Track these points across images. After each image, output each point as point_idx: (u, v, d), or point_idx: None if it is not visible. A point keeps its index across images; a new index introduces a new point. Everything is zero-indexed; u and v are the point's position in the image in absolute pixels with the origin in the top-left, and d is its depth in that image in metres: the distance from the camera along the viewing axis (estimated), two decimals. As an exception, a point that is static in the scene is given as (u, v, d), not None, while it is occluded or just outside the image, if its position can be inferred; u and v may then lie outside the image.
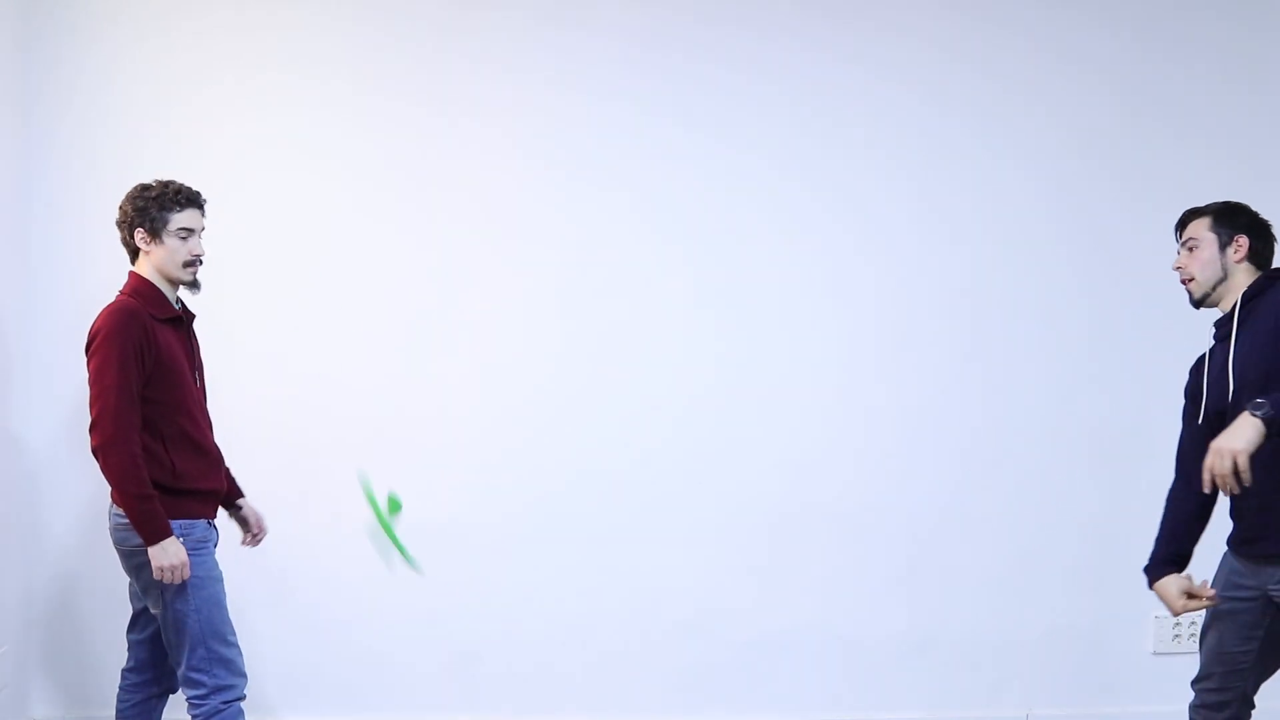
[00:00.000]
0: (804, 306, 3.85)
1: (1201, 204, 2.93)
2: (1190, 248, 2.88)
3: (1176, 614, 2.91)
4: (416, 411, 3.78)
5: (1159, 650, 3.91)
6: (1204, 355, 2.97)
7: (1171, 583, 2.88)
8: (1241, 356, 2.77)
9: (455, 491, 3.80)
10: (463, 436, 3.79)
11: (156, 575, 2.87)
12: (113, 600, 3.72)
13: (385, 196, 3.77)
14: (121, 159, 3.69)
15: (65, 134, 3.71)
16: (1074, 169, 3.88)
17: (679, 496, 3.84)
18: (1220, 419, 2.80)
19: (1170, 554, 2.92)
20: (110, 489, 2.98)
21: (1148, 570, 2.95)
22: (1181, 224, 2.94)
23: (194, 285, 3.06)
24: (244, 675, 3.02)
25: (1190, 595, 2.85)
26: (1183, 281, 2.92)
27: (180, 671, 2.98)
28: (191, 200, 3.03)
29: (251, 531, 3.29)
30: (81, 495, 3.72)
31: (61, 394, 3.71)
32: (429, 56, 3.76)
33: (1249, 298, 2.81)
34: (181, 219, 3.00)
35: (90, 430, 2.88)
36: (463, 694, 3.82)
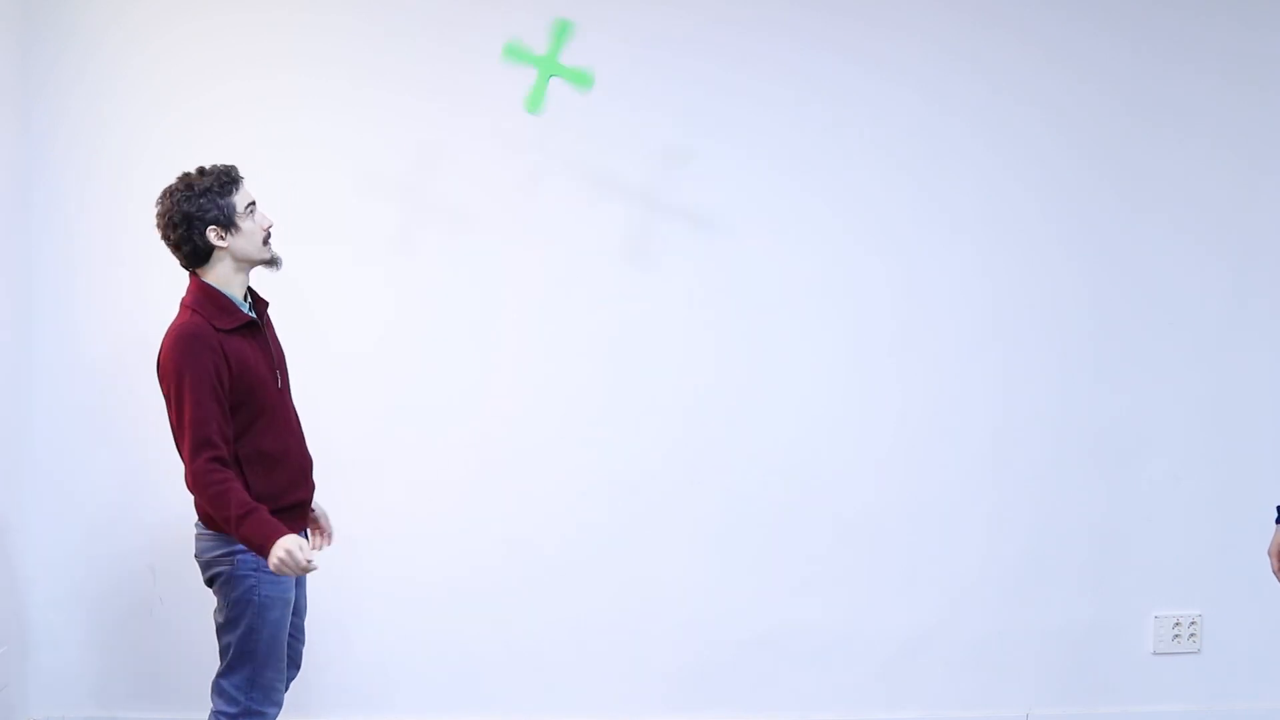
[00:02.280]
0: (804, 306, 3.85)
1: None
2: None
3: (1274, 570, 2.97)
4: (416, 410, 3.78)
5: (1159, 650, 3.91)
6: None
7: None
8: None
9: (453, 492, 3.80)
10: (461, 436, 3.79)
11: (274, 568, 2.67)
12: (115, 599, 3.73)
13: (389, 197, 3.76)
14: (122, 160, 3.70)
15: (65, 135, 3.71)
16: (1077, 170, 3.87)
17: (679, 495, 3.84)
18: None
19: None
20: (195, 499, 2.89)
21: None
22: None
23: (274, 262, 2.88)
24: (278, 705, 2.91)
25: None
26: None
27: (215, 679, 2.89)
28: (237, 176, 2.84)
29: (318, 535, 3.13)
30: (83, 495, 3.73)
31: (61, 393, 3.71)
32: (434, 55, 3.75)
33: None
34: (243, 194, 2.81)
35: (186, 471, 2.75)
36: (462, 694, 3.82)
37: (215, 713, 2.89)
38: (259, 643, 2.84)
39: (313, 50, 3.73)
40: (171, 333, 2.77)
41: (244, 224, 2.79)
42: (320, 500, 3.56)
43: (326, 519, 3.17)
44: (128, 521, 3.73)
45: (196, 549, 2.90)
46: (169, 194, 2.80)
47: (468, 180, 3.78)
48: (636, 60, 3.79)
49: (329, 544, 3.16)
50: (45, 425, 3.72)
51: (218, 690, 2.89)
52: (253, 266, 2.88)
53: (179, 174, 2.85)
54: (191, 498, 2.87)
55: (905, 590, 3.88)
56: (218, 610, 2.90)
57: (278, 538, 2.66)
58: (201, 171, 2.80)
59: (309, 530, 3.12)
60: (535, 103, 2.90)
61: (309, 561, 2.68)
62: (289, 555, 2.64)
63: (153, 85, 3.71)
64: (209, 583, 2.91)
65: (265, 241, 2.84)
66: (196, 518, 2.91)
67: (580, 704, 3.84)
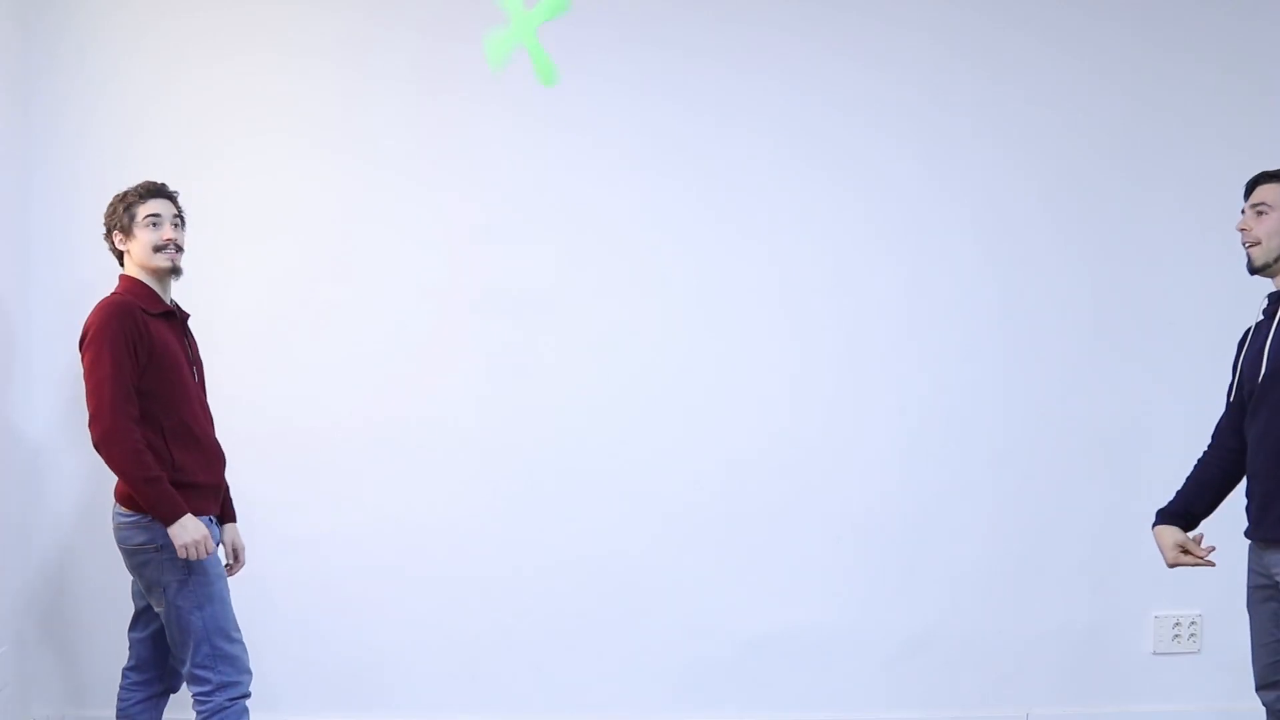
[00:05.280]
0: (805, 306, 3.85)
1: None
2: (1260, 212, 2.83)
3: (1169, 565, 2.96)
4: (415, 411, 3.78)
5: (1158, 650, 3.91)
6: (1251, 326, 2.96)
7: (1168, 533, 2.96)
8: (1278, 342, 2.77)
9: (454, 492, 3.80)
10: (461, 437, 3.79)
11: (180, 554, 2.87)
12: (113, 599, 3.72)
13: (389, 193, 3.76)
14: (121, 154, 3.69)
15: (65, 129, 3.71)
16: (1076, 167, 3.88)
17: (679, 496, 3.84)
18: (1250, 399, 2.83)
19: (1180, 509, 2.98)
20: (115, 486, 2.98)
21: (1157, 514, 3.01)
22: (1253, 185, 2.89)
23: (175, 272, 3.08)
24: (249, 672, 3.03)
25: (1184, 550, 2.91)
26: (1245, 245, 2.87)
27: (185, 669, 2.99)
28: (153, 191, 3.07)
29: (225, 561, 3.23)
30: (82, 493, 3.72)
31: (61, 389, 3.71)
32: (439, 52, 3.75)
33: None
34: (146, 208, 3.04)
35: (89, 425, 2.89)
36: (462, 694, 3.82)
37: (194, 698, 2.99)
38: (206, 618, 2.96)
39: (318, 37, 3.74)
40: (98, 305, 3.00)
41: (139, 233, 3.04)
42: (313, 496, 3.59)
43: (239, 551, 3.26)
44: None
45: (119, 536, 2.99)
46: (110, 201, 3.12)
47: (468, 178, 3.78)
48: (636, 59, 3.79)
49: (230, 574, 3.24)
50: (44, 421, 3.72)
51: (189, 678, 3.00)
52: (157, 274, 3.06)
53: None
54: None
55: (905, 590, 3.88)
56: (156, 601, 2.99)
57: (185, 513, 2.88)
58: (132, 186, 3.09)
59: (221, 543, 3.24)
60: (496, 58, 2.84)
61: (210, 550, 2.92)
62: (204, 539, 2.88)
63: (154, 81, 3.72)
64: (136, 570, 3.00)
65: (157, 250, 3.04)
66: (114, 500, 2.98)
67: (580, 704, 3.84)
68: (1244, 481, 2.90)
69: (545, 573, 3.82)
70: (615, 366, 3.82)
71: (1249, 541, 2.89)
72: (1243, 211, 2.90)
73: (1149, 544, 3.02)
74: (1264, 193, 2.84)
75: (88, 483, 3.72)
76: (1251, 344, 2.89)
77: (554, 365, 3.81)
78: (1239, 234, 2.89)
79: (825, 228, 3.85)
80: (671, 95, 3.81)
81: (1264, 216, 2.82)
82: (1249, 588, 2.91)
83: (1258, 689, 2.96)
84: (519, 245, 3.79)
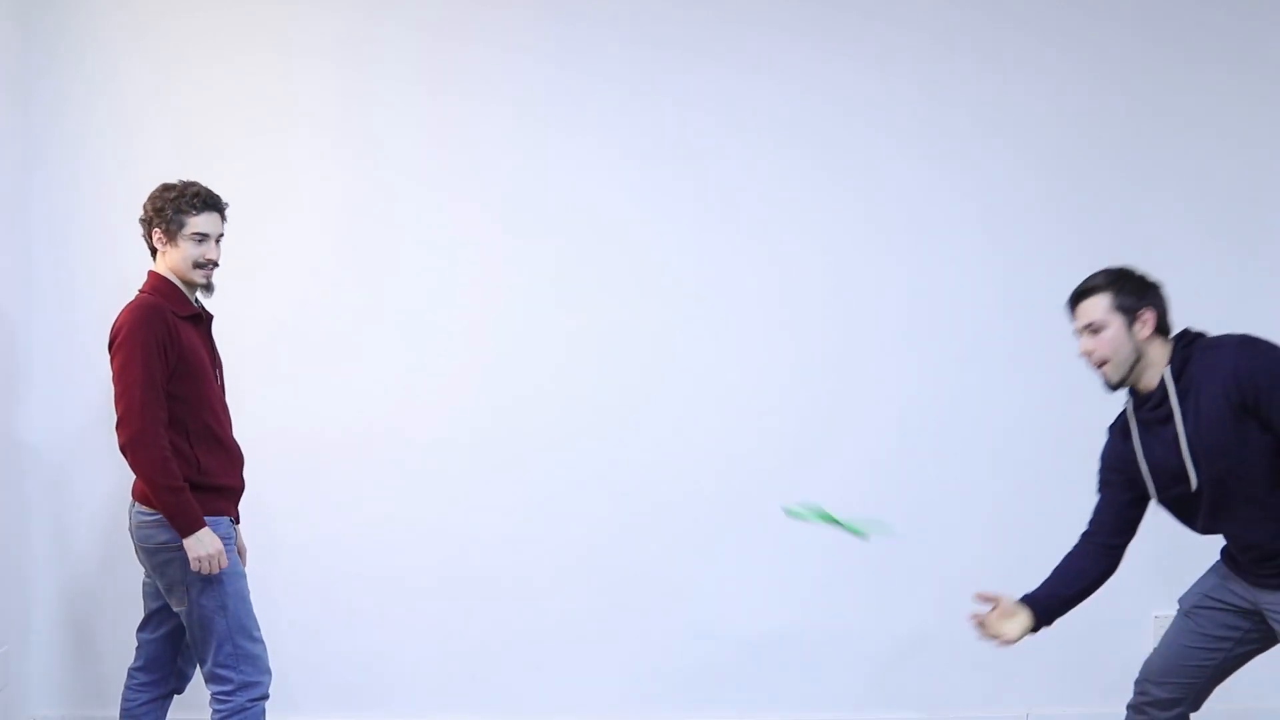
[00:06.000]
0: (805, 305, 3.85)
1: (1091, 273, 2.76)
2: (1094, 331, 2.69)
3: (975, 620, 2.89)
4: (416, 411, 3.78)
5: (1159, 650, 3.91)
6: (1124, 425, 2.80)
7: (1008, 605, 2.88)
8: (1199, 437, 2.60)
9: (455, 492, 3.80)
10: (462, 437, 3.79)
11: (194, 566, 2.86)
12: (114, 599, 3.72)
13: (389, 193, 3.77)
14: (121, 154, 3.70)
15: (66, 129, 3.71)
16: (1077, 167, 3.88)
17: (679, 495, 3.84)
18: (1184, 502, 2.70)
19: (1044, 597, 2.91)
20: (133, 486, 2.97)
21: (1022, 597, 2.93)
22: (1072, 305, 2.75)
23: (207, 288, 3.06)
24: (269, 672, 3.03)
25: (994, 617, 2.86)
26: (1095, 366, 2.72)
27: (205, 669, 2.98)
28: (209, 204, 3.02)
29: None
30: (82, 495, 3.72)
31: (64, 394, 3.71)
32: (440, 51, 3.75)
33: (1179, 372, 2.65)
34: (197, 223, 2.99)
35: (117, 427, 2.86)
36: (462, 694, 3.82)
37: (213, 698, 2.98)
38: (229, 617, 2.95)
39: (318, 37, 3.74)
40: (129, 307, 2.95)
41: (183, 244, 2.99)
42: (313, 497, 3.56)
43: (245, 553, 3.26)
44: (126, 521, 3.73)
45: (139, 535, 2.97)
46: (154, 189, 3.04)
47: (468, 178, 3.78)
48: (636, 59, 3.79)
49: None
50: (45, 424, 3.71)
51: (209, 677, 2.99)
52: (189, 285, 3.05)
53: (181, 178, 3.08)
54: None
55: (905, 590, 3.88)
56: (177, 601, 2.97)
57: (204, 526, 2.87)
58: (186, 184, 3.03)
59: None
60: (796, 513, 2.98)
61: (225, 564, 2.91)
62: (219, 553, 2.88)
63: (154, 80, 3.72)
64: (157, 570, 2.98)
65: (197, 268, 3.01)
66: (133, 499, 2.96)
67: (580, 704, 3.84)
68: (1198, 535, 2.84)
69: (545, 574, 3.82)
70: (615, 367, 3.82)
71: (1227, 568, 2.84)
72: (1077, 334, 2.75)
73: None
74: (1088, 311, 2.70)
75: (88, 484, 3.72)
76: (1151, 449, 2.72)
77: (554, 366, 3.81)
78: (1084, 359, 2.74)
79: (825, 228, 3.85)
80: (671, 95, 3.81)
81: (1100, 334, 2.68)
82: (1202, 594, 2.86)
83: (1143, 682, 2.97)
84: (519, 245, 3.79)
